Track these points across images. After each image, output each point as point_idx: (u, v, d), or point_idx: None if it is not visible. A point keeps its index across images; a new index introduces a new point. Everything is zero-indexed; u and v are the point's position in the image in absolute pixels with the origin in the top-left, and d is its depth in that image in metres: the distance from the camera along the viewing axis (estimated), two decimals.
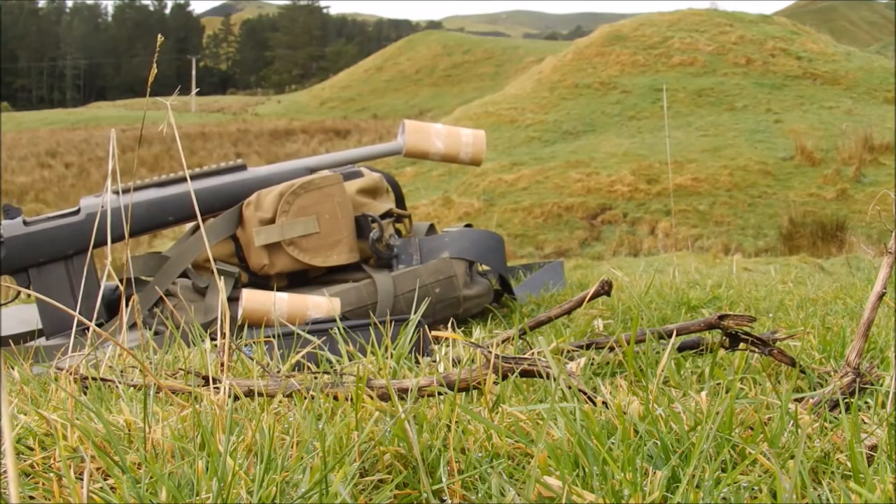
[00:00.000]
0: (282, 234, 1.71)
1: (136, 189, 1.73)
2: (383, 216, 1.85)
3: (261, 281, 1.76)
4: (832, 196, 9.67)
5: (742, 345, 1.00)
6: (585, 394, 0.77)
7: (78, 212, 1.70)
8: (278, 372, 0.95)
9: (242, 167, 1.79)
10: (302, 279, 1.79)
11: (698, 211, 9.77)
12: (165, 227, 1.75)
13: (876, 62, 15.58)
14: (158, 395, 0.85)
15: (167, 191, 1.73)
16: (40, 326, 1.70)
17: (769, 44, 15.45)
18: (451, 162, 1.89)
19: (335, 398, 0.81)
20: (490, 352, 0.83)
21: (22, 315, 1.84)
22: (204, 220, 1.76)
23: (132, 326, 1.62)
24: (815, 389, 0.98)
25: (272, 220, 1.72)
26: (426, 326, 1.15)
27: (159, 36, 0.98)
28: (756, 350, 1.00)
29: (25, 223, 1.68)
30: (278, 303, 1.53)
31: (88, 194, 1.83)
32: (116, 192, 1.71)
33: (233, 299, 1.65)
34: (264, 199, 1.73)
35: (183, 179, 1.75)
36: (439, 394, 0.82)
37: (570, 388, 0.77)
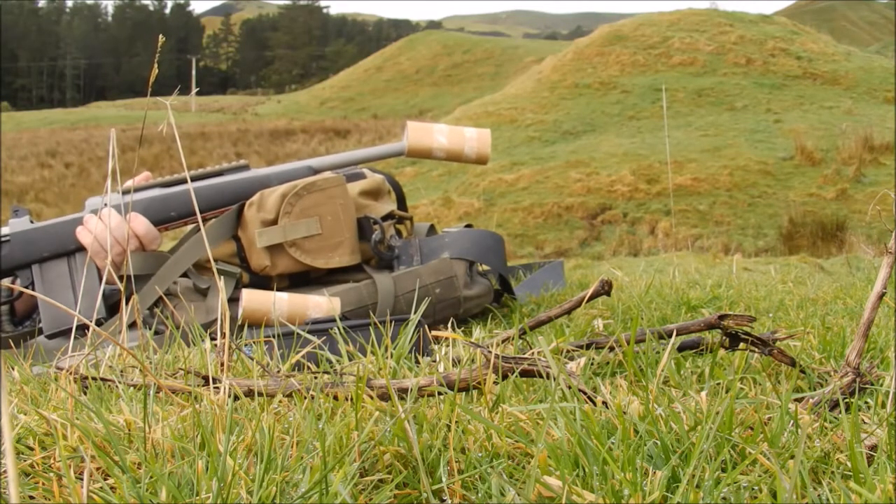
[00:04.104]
0: (284, 236, 1.71)
1: (140, 190, 1.74)
2: (385, 218, 1.85)
3: (262, 281, 1.76)
4: (832, 196, 9.68)
5: (742, 345, 1.00)
6: (585, 394, 0.77)
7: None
8: (278, 372, 0.95)
9: (245, 167, 1.79)
10: (303, 279, 1.79)
11: (698, 211, 9.77)
12: (168, 223, 1.75)
13: (876, 62, 15.59)
14: (158, 394, 0.85)
15: (170, 189, 1.74)
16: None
17: (769, 44, 15.45)
18: (457, 160, 1.85)
19: (335, 398, 0.81)
20: (490, 352, 0.83)
21: None
22: (206, 219, 1.76)
23: (132, 326, 1.62)
24: (815, 389, 0.98)
25: (275, 221, 1.72)
26: (426, 326, 1.15)
27: (160, 36, 0.98)
28: (756, 350, 1.00)
29: (32, 223, 1.71)
30: (278, 303, 1.53)
31: (89, 194, 1.84)
32: (125, 193, 1.72)
33: (234, 300, 1.65)
34: (267, 200, 1.73)
35: (186, 180, 1.75)
36: (439, 394, 0.82)
37: (570, 388, 0.77)
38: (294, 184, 1.73)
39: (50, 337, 1.65)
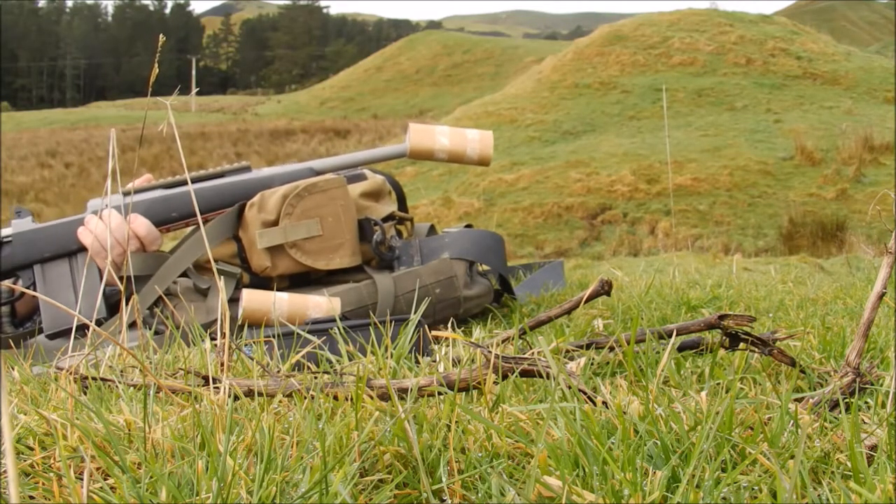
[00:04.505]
0: (285, 237, 1.71)
1: (142, 192, 1.74)
2: (385, 219, 1.85)
3: (262, 282, 1.75)
4: (832, 196, 9.67)
5: (742, 345, 1.00)
6: (585, 394, 0.77)
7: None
8: (278, 372, 0.95)
9: (247, 168, 1.79)
10: (303, 280, 1.79)
11: (698, 211, 9.77)
12: (169, 224, 1.75)
13: (876, 62, 15.59)
14: (158, 394, 0.85)
15: (172, 190, 1.75)
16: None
17: (769, 44, 15.45)
18: (459, 161, 1.84)
19: (335, 398, 0.81)
20: (490, 352, 0.83)
21: None
22: (207, 220, 1.76)
23: (132, 326, 1.62)
24: (815, 389, 0.98)
25: (275, 222, 1.72)
26: (426, 326, 1.15)
27: (160, 36, 0.98)
28: (756, 350, 1.00)
29: (34, 224, 1.71)
30: (278, 303, 1.53)
31: (89, 194, 1.84)
32: (126, 194, 1.72)
33: (234, 300, 1.65)
34: (268, 201, 1.73)
35: (188, 182, 1.75)
36: (439, 394, 0.82)
37: (570, 387, 0.77)
38: (295, 185, 1.73)
39: (50, 337, 1.66)
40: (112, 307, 1.73)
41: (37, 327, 1.73)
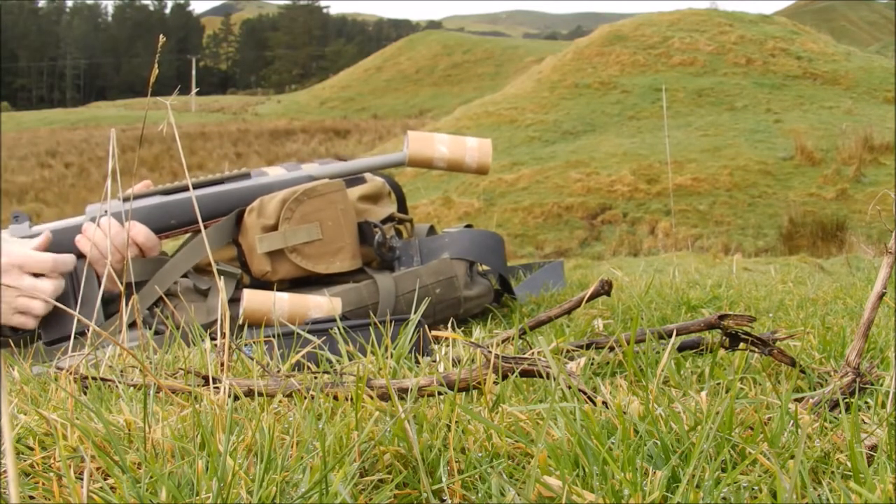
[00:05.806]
0: (284, 241, 1.71)
1: (141, 198, 1.74)
2: (384, 221, 1.85)
3: (263, 283, 1.75)
4: (832, 196, 9.68)
5: (742, 345, 1.00)
6: (585, 394, 0.77)
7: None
8: (278, 372, 0.95)
9: (246, 175, 1.79)
10: (304, 281, 1.79)
11: (698, 211, 9.77)
12: (168, 231, 1.75)
13: (876, 62, 15.59)
14: (158, 394, 0.85)
15: (170, 197, 1.75)
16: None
17: (769, 44, 15.45)
18: (457, 170, 1.87)
19: (335, 398, 0.81)
20: (490, 352, 0.83)
21: None
22: (206, 227, 1.76)
23: (132, 326, 1.62)
24: (815, 389, 0.98)
25: (275, 227, 1.72)
26: (426, 326, 1.15)
27: (160, 36, 0.98)
28: (756, 350, 1.00)
29: (32, 228, 1.70)
30: (279, 303, 1.53)
31: (89, 194, 1.84)
32: (125, 200, 1.72)
33: (234, 300, 1.65)
34: (267, 206, 1.73)
35: (187, 188, 1.75)
36: (439, 394, 0.82)
37: (570, 387, 0.77)
38: (294, 189, 1.73)
39: (49, 344, 1.65)
40: (110, 316, 1.73)
41: (36, 333, 1.73)
